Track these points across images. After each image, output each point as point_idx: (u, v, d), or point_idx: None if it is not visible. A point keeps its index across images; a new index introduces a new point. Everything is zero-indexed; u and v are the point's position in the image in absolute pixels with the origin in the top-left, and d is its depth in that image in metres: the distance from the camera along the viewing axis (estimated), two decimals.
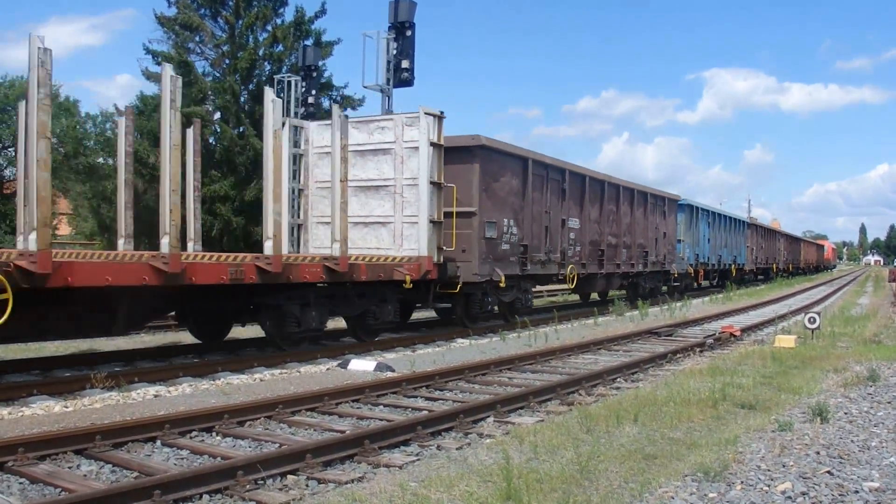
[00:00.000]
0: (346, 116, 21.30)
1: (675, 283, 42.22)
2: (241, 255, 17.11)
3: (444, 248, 21.94)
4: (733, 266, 54.96)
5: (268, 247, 16.81)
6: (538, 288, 34.33)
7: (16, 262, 12.50)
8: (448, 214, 22.17)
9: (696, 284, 48.18)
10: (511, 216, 25.04)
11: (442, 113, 21.69)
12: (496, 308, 25.27)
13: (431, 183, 21.41)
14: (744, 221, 61.74)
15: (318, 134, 24.26)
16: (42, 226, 12.57)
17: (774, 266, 73.43)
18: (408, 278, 20.43)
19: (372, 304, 20.50)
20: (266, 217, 17.00)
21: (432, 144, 21.49)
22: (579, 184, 30.38)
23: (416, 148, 21.69)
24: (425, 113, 21.44)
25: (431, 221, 21.37)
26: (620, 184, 34.61)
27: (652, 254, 38.28)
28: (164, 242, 14.82)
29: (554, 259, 27.97)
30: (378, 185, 22.70)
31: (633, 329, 24.24)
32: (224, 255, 16.41)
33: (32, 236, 12.74)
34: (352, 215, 20.99)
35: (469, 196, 23.04)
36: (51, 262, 12.73)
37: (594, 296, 38.40)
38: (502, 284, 24.02)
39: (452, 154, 22.42)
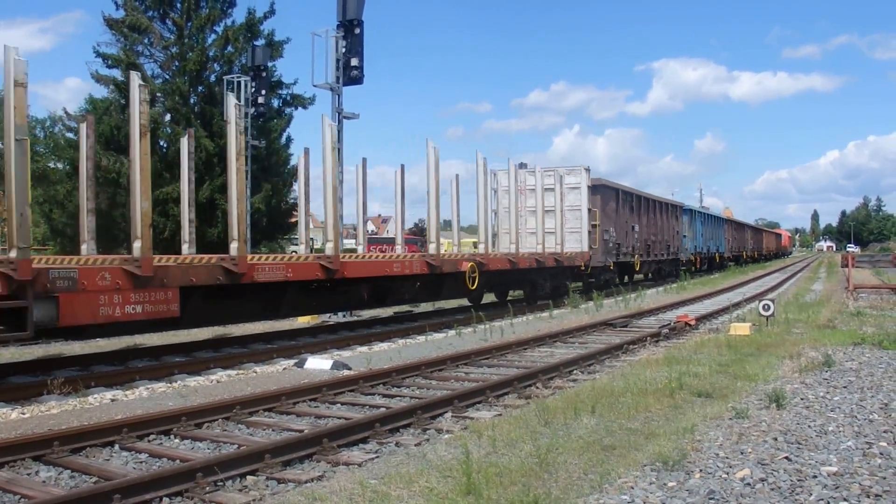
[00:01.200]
0: (525, 165, 37.90)
1: (683, 268, 55.45)
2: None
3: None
4: (717, 254, 69.39)
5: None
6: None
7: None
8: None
9: (694, 268, 60.16)
10: (612, 226, 39.47)
11: (588, 168, 37.18)
12: (609, 281, 39.11)
13: (588, 209, 36.45)
14: (723, 219, 77.00)
15: (510, 178, 32.59)
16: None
17: (744, 253, 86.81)
18: (583, 265, 34.87)
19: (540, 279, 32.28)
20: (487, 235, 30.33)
21: (588, 186, 36.77)
22: (638, 201, 44.83)
23: (578, 188, 36.73)
24: (584, 168, 37.04)
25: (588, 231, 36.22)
26: (653, 198, 48.98)
27: (672, 246, 52.83)
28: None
29: (629, 252, 42.48)
30: (549, 210, 34.24)
31: (588, 321, 24.31)
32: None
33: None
34: (532, 228, 35.06)
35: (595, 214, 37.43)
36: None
37: (639, 277, 48.61)
38: (611, 268, 39.19)
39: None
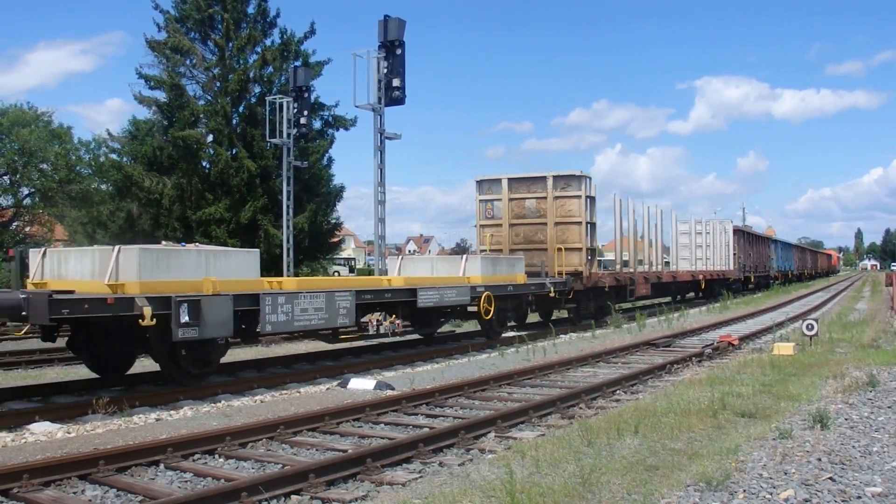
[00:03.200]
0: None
1: (773, 280, 72.09)
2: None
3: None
4: (789, 272, 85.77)
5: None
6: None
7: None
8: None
9: (777, 282, 74.57)
10: (742, 253, 57.62)
11: (731, 221, 55.91)
12: (739, 288, 56.20)
13: (733, 244, 53.25)
14: (792, 244, 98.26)
15: (673, 222, 49.07)
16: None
17: (805, 271, 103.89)
18: (731, 278, 51.21)
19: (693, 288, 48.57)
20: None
21: (733, 230, 53.94)
22: (751, 237, 64.53)
23: (727, 232, 53.52)
24: (730, 222, 53.74)
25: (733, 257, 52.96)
26: (757, 234, 71.19)
27: (766, 266, 69.89)
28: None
29: (749, 270, 60.86)
30: (699, 245, 51.82)
31: (631, 341, 24.26)
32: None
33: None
34: (685, 256, 51.00)
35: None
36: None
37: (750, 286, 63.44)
38: (741, 280, 58.00)
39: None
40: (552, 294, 27.94)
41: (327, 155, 48.91)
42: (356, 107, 28.66)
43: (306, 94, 36.45)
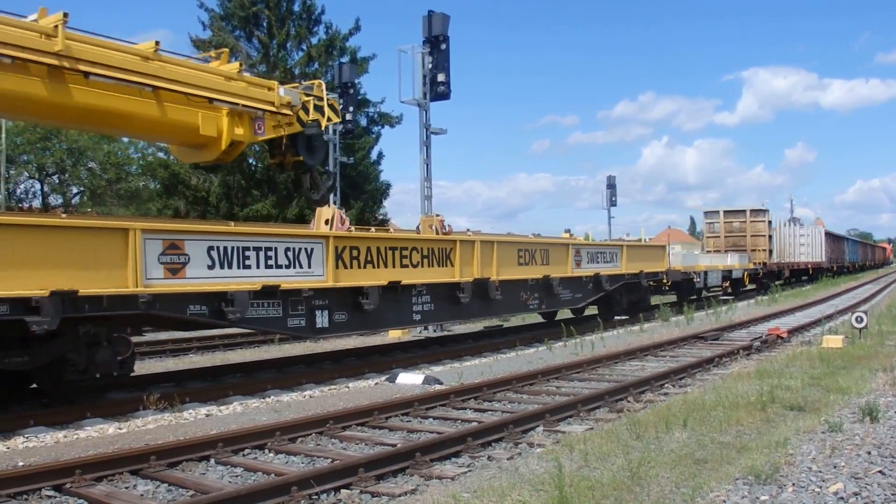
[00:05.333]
0: (796, 220, 73.52)
1: (845, 271, 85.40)
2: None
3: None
4: (856, 263, 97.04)
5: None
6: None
7: None
8: None
9: (848, 271, 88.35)
10: (829, 248, 71.48)
11: (824, 224, 75.25)
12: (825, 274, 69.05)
13: (824, 243, 68.60)
14: (856, 240, 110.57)
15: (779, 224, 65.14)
16: None
17: (867, 262, 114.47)
18: (823, 267, 68.41)
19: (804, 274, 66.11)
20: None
21: (825, 233, 69.57)
22: (832, 236, 75.97)
23: (821, 232, 68.10)
24: (823, 226, 73.20)
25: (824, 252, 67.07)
26: (836, 234, 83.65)
27: (841, 259, 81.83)
28: None
29: (833, 262, 72.44)
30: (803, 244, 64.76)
31: (679, 334, 24.18)
32: None
33: None
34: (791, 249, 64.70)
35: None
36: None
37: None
38: (831, 268, 73.20)
39: None
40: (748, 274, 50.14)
41: (375, 150, 48.98)
42: (401, 102, 28.84)
43: (352, 91, 36.53)
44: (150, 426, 12.94)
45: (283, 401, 15.14)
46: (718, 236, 55.18)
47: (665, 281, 35.97)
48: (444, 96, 28.39)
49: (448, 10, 28.70)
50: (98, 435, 12.36)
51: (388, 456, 9.83)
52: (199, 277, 14.85)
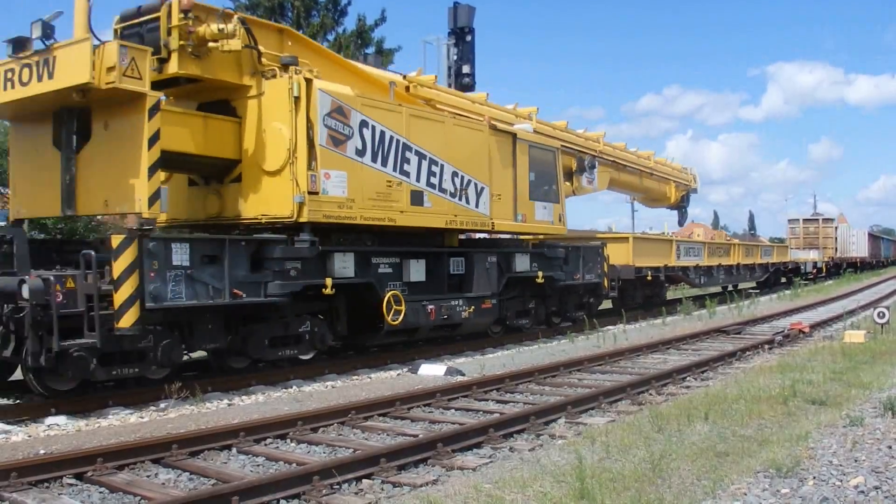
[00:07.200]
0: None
1: (881, 265, 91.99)
2: None
3: None
4: (890, 258, 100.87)
5: None
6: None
7: None
8: None
9: (883, 265, 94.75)
10: (871, 244, 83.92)
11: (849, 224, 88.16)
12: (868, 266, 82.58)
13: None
14: (891, 239, 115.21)
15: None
16: None
17: None
18: (868, 260, 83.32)
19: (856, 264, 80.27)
20: None
21: (866, 233, 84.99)
22: (871, 236, 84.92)
23: (860, 230, 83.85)
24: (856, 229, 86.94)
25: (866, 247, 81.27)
26: (874, 233, 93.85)
27: (877, 254, 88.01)
28: None
29: (872, 257, 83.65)
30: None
31: (701, 328, 24.17)
32: None
33: None
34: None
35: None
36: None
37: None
38: (872, 262, 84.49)
39: None
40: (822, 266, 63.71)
41: None
42: None
43: None
44: (172, 415, 12.99)
45: (305, 391, 15.20)
46: (799, 238, 71.14)
47: (790, 268, 56.07)
48: (469, 88, 28.36)
49: (473, 1, 28.64)
50: (120, 423, 12.41)
51: (410, 446, 9.88)
52: None
